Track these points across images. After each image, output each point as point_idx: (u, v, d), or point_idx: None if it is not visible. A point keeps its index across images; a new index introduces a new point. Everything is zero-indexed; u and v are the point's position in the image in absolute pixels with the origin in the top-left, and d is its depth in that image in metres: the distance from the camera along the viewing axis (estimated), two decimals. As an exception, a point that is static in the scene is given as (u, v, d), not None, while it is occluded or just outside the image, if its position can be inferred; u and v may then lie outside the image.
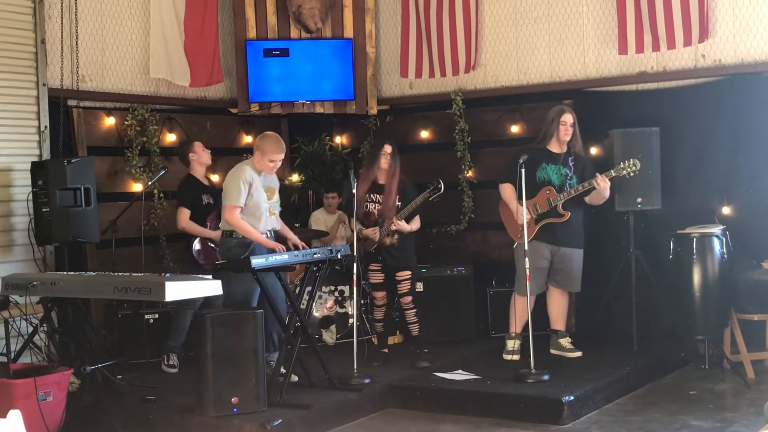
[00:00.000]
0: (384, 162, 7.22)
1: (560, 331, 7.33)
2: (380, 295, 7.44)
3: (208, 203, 7.36)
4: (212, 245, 7.28)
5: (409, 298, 7.32)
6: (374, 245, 7.22)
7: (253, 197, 6.40)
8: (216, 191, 7.38)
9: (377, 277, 7.38)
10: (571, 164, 7.16)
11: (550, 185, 7.08)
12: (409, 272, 7.29)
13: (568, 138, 7.13)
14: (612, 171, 6.99)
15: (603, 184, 6.95)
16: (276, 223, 6.63)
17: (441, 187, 7.04)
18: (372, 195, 7.27)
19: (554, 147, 7.16)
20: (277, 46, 8.80)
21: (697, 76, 7.62)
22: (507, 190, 7.18)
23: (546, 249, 7.10)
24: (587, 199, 7.14)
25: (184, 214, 7.25)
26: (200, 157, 7.47)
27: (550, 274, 7.20)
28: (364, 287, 7.94)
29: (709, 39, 7.48)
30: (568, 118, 7.12)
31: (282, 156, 6.53)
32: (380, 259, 7.26)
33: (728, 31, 7.46)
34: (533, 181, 7.00)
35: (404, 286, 7.31)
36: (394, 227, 7.08)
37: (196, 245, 7.28)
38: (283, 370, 6.21)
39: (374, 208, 7.26)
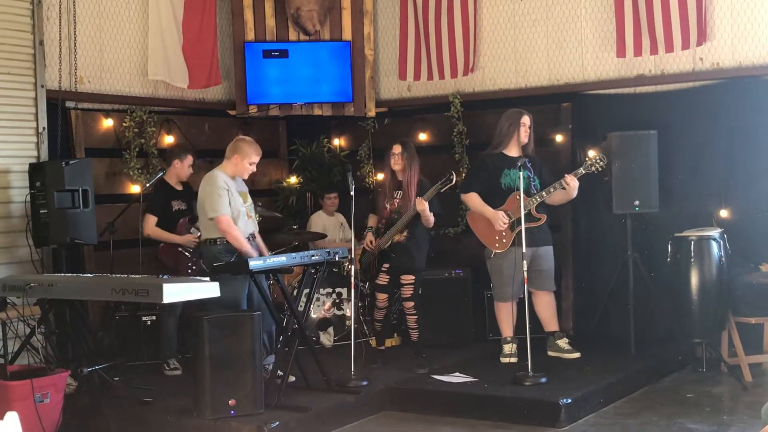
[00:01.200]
0: (394, 163, 7.26)
1: (556, 332, 7.32)
2: (382, 297, 7.43)
3: (179, 209, 7.37)
4: (181, 250, 7.29)
5: (411, 304, 7.29)
6: (388, 243, 7.24)
7: (231, 204, 6.42)
8: (189, 196, 7.42)
9: (383, 279, 7.38)
10: (529, 166, 7.16)
11: (517, 190, 7.05)
12: (413, 277, 7.27)
13: (527, 140, 7.16)
14: (581, 169, 7.02)
15: (573, 184, 6.96)
16: (254, 226, 6.64)
17: (453, 178, 7.04)
18: (393, 192, 7.33)
19: (512, 151, 7.16)
20: (277, 48, 8.80)
21: (695, 79, 7.63)
22: (475, 200, 7.16)
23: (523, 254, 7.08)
24: (548, 200, 7.13)
25: (151, 221, 7.23)
26: (182, 169, 7.43)
27: (529, 278, 7.12)
28: (361, 289, 7.96)
29: (708, 42, 7.49)
30: (526, 120, 7.16)
31: (259, 158, 6.56)
32: (393, 257, 7.26)
33: (726, 34, 7.47)
34: (498, 188, 7.01)
35: (407, 291, 7.30)
36: (419, 207, 7.04)
37: (162, 252, 7.28)
38: (280, 372, 6.21)
39: (389, 204, 7.31)
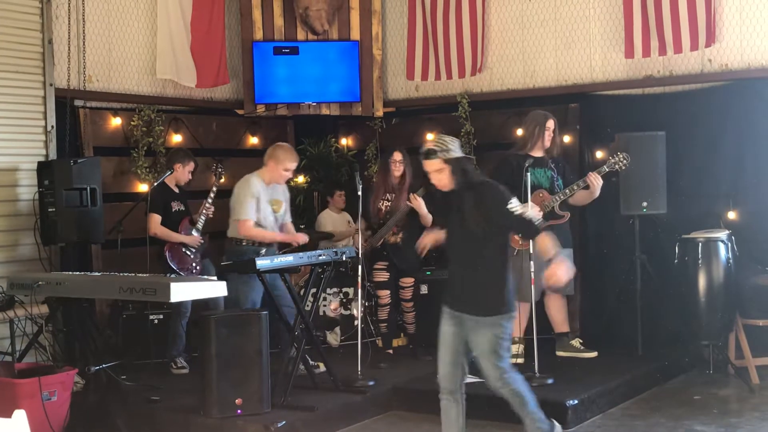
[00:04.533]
0: (395, 170, 7.42)
1: (569, 333, 7.36)
2: (384, 294, 7.53)
3: (178, 210, 7.41)
4: (185, 250, 7.29)
5: (411, 304, 7.54)
6: (380, 241, 7.34)
7: (260, 211, 6.63)
8: (185, 198, 7.49)
9: (382, 276, 7.47)
10: (552, 166, 7.20)
11: (540, 189, 7.09)
12: (413, 280, 7.48)
13: (550, 143, 7.19)
14: (605, 167, 7.02)
15: (596, 182, 6.96)
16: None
17: None
18: (385, 194, 7.48)
19: (537, 152, 7.17)
20: (287, 45, 8.81)
21: (704, 80, 7.61)
22: None
23: None
24: (571, 200, 7.15)
25: (156, 220, 7.25)
26: (182, 174, 7.44)
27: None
28: (368, 289, 7.95)
29: (716, 43, 7.47)
30: (551, 123, 7.18)
31: (295, 165, 6.82)
32: (386, 255, 7.39)
33: (735, 35, 7.45)
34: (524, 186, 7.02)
35: (407, 293, 7.52)
36: (413, 203, 7.15)
37: (167, 252, 7.29)
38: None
39: (383, 206, 7.43)
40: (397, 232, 7.37)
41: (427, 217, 7.23)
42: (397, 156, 7.43)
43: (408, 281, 7.48)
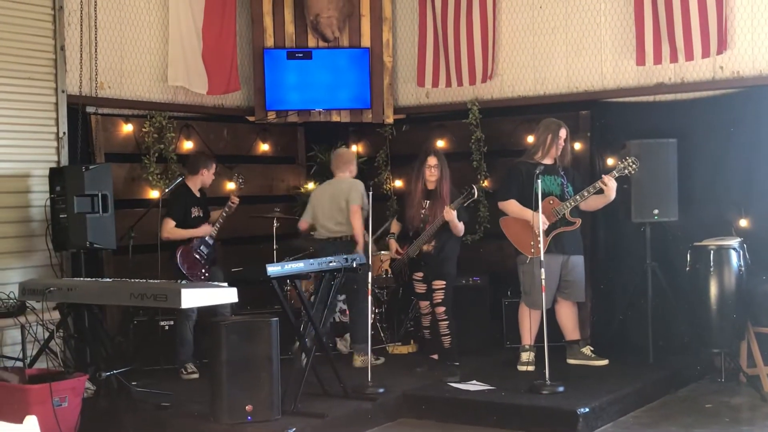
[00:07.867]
0: (430, 175, 7.33)
1: (580, 340, 7.34)
2: (424, 305, 7.54)
3: (197, 216, 7.42)
4: (196, 255, 7.30)
5: (442, 309, 7.35)
6: (416, 252, 7.31)
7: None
8: (205, 203, 7.54)
9: (420, 287, 7.49)
10: (562, 174, 7.20)
11: (551, 196, 7.08)
12: (444, 282, 7.34)
13: (560, 152, 7.19)
14: (614, 172, 7.02)
15: (610, 184, 6.95)
16: None
17: (474, 193, 7.10)
18: (422, 201, 7.37)
19: (547, 160, 7.18)
20: (301, 51, 8.83)
21: (715, 87, 7.60)
22: (515, 206, 7.17)
23: (557, 261, 7.09)
24: (584, 206, 7.15)
25: (170, 224, 7.28)
26: (209, 177, 7.53)
27: (559, 286, 7.18)
28: (378, 295, 7.96)
29: (728, 50, 7.46)
30: (563, 133, 7.20)
31: None
32: (423, 264, 7.34)
33: (747, 42, 7.43)
34: (532, 194, 7.01)
35: (438, 296, 7.36)
36: (447, 216, 7.11)
37: (179, 255, 7.30)
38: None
39: (420, 213, 7.35)
40: (429, 240, 7.31)
41: (458, 227, 7.23)
42: (432, 161, 7.31)
43: (439, 284, 7.32)
